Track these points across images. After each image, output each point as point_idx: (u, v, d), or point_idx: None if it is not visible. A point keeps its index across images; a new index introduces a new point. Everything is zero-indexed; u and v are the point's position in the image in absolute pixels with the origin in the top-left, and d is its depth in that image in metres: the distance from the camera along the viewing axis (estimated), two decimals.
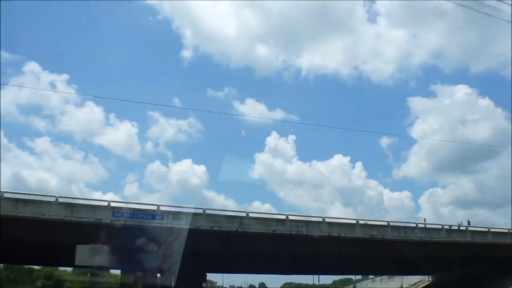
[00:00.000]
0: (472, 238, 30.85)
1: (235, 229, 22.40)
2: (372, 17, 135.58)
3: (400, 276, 53.66)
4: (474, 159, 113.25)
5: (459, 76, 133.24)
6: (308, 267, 36.95)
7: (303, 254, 25.41)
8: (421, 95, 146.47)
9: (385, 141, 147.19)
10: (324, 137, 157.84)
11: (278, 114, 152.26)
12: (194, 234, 21.52)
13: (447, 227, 30.55)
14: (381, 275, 57.07)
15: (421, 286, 49.83)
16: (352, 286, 70.36)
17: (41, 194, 22.88)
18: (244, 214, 23.12)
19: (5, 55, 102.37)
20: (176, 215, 22.21)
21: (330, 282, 79.20)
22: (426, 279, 49.26)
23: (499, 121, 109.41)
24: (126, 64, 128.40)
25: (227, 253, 23.62)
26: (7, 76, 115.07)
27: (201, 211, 22.72)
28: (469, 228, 32.04)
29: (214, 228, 21.96)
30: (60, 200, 21.89)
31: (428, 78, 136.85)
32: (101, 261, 20.45)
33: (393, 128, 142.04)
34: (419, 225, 29.09)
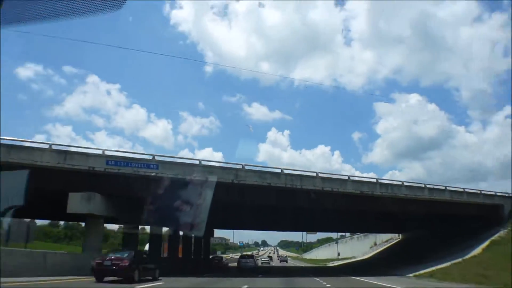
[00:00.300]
0: (450, 196, 29.48)
1: (230, 181, 20.11)
2: (348, 42, 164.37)
3: (374, 235, 54.31)
4: (423, 149, 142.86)
5: (413, 87, 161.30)
6: (302, 222, 35.60)
7: (297, 207, 23.41)
8: (384, 101, 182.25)
9: (356, 135, 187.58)
10: (311, 132, 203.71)
11: (277, 114, 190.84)
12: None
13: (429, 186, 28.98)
14: (362, 232, 56.93)
15: (392, 243, 49.41)
16: (334, 242, 73.97)
17: (35, 141, 19.95)
18: (240, 167, 20.66)
19: (73, 70, 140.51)
20: (171, 165, 19.68)
21: (315, 240, 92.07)
22: (397, 236, 49.18)
23: (442, 121, 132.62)
24: (163, 76, 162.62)
25: (223, 206, 21.23)
26: (74, 85, 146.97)
27: (197, 162, 20.19)
28: (448, 188, 30.53)
29: (210, 179, 19.47)
30: (54, 147, 19.12)
31: (389, 88, 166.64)
32: (94, 209, 18.03)
33: (362, 126, 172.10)
34: (405, 183, 27.26)
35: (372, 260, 45.22)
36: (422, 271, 21.70)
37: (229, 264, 36.60)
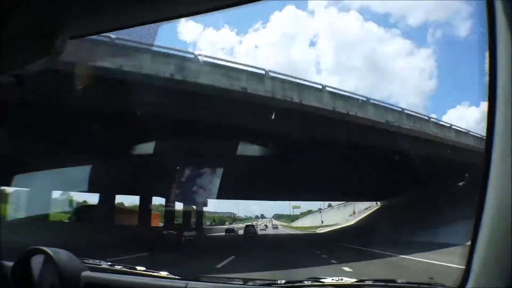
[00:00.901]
0: (474, 143, 19.45)
1: (169, 76, 8.64)
2: (319, 71, 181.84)
3: (353, 204, 50.55)
4: None
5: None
6: (292, 182, 24.29)
7: (293, 139, 11.52)
8: None
9: None
10: None
11: None
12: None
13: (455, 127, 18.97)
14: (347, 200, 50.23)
15: (372, 210, 42.47)
16: (317, 212, 72.64)
17: None
18: (192, 56, 9.34)
19: None
20: None
21: (299, 213, 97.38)
22: (374, 205, 43.06)
23: None
24: None
25: (160, 123, 9.37)
26: None
27: (107, 39, 8.65)
28: (470, 133, 20.56)
29: (124, 68, 8.08)
30: None
31: None
32: None
33: None
34: (432, 119, 17.07)
35: (359, 226, 36.41)
36: None
37: (239, 232, 37.50)
